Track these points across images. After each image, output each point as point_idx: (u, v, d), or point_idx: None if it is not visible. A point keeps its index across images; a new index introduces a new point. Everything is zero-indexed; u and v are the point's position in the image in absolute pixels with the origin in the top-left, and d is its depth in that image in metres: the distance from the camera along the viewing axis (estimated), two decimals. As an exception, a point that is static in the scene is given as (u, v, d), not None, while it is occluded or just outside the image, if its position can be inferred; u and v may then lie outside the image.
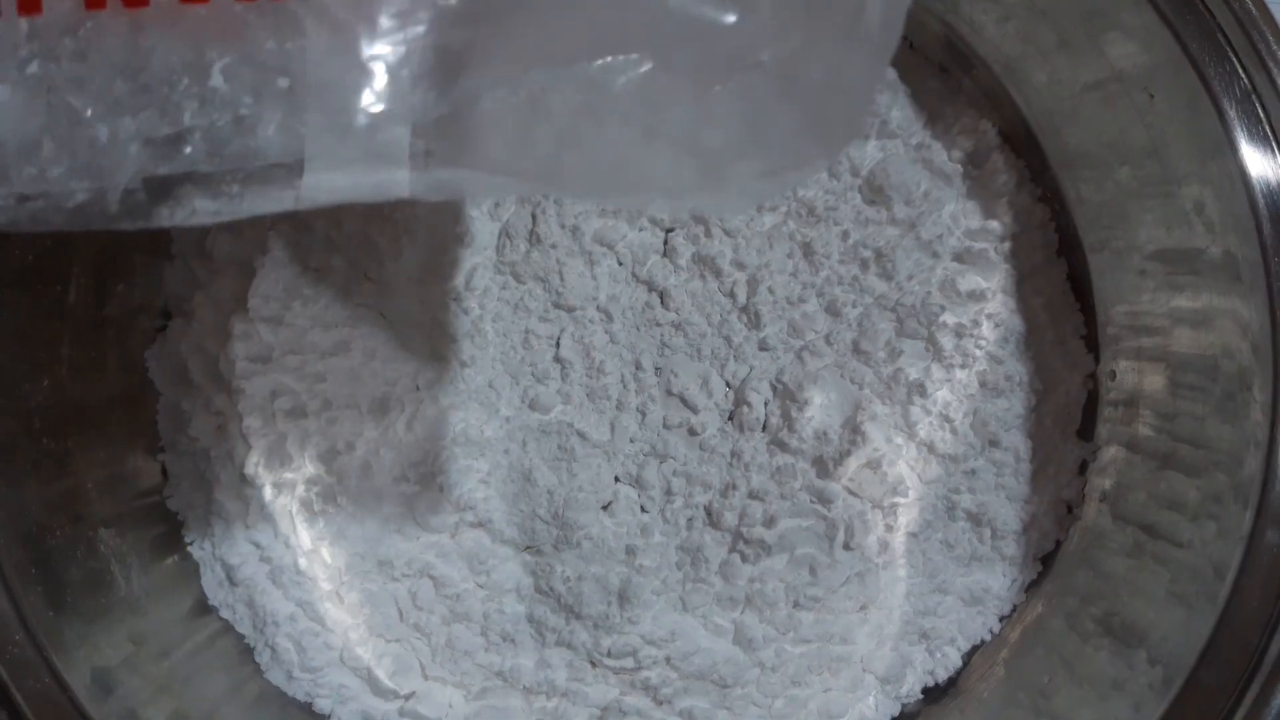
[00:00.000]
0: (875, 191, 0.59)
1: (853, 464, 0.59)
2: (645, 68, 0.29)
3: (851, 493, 0.59)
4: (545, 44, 0.30)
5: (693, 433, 0.58)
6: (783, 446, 0.58)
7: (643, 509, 0.58)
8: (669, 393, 0.58)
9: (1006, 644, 0.59)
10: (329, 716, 0.56)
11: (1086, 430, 0.60)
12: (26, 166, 0.30)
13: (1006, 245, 0.60)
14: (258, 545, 0.57)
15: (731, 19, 0.28)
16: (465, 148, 0.31)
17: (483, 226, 0.58)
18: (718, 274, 0.59)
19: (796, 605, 0.57)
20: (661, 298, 0.59)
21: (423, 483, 0.57)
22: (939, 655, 0.59)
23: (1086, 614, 0.55)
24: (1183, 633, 0.48)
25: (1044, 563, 0.60)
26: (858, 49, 0.29)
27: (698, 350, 0.59)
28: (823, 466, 0.58)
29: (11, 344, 0.48)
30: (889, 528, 0.59)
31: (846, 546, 0.58)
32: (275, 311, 0.57)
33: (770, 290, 0.58)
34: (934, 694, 0.59)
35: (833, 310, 0.59)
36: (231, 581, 0.57)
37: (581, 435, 0.57)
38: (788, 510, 0.57)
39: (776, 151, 0.31)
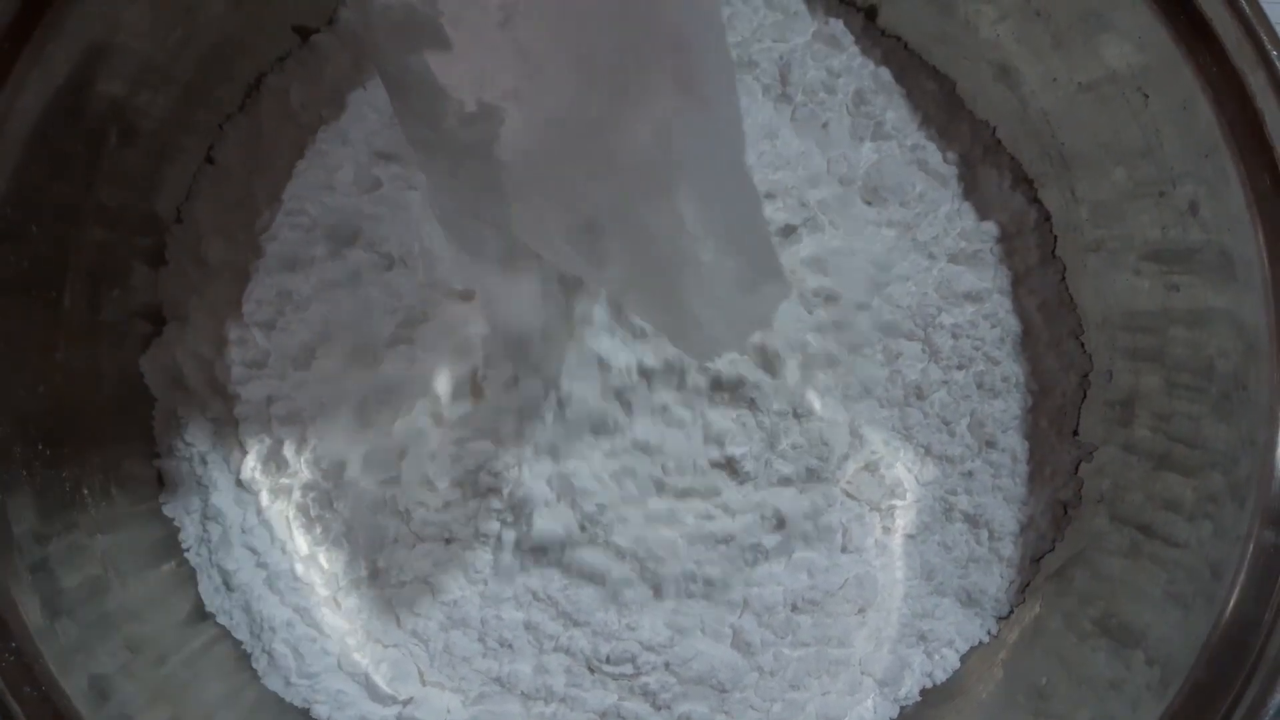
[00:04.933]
0: (871, 193, 0.59)
1: (850, 466, 0.59)
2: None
3: (849, 495, 0.59)
4: None
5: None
6: (780, 448, 0.58)
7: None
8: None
9: (1004, 645, 0.59)
10: (326, 722, 0.56)
11: (1083, 431, 0.60)
12: None
13: (1001, 246, 0.60)
14: (254, 551, 0.57)
15: None
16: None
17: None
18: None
19: (794, 609, 0.57)
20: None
21: (420, 487, 0.57)
22: (937, 657, 0.59)
23: (1084, 615, 0.55)
24: (1180, 633, 0.48)
25: (1041, 564, 0.60)
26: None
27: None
28: (820, 469, 0.58)
29: (6, 350, 0.48)
30: (886, 530, 0.59)
31: (844, 549, 0.59)
32: (269, 316, 0.57)
33: (767, 292, 0.58)
34: (932, 696, 0.59)
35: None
36: (228, 587, 0.56)
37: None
38: (785, 513, 0.57)
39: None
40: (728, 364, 0.57)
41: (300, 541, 0.57)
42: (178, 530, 0.57)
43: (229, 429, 0.57)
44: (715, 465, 0.57)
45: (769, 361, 0.58)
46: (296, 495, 0.57)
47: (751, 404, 0.57)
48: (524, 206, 0.42)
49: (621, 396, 0.56)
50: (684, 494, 0.57)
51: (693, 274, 0.42)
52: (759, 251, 0.43)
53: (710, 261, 0.41)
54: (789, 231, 0.59)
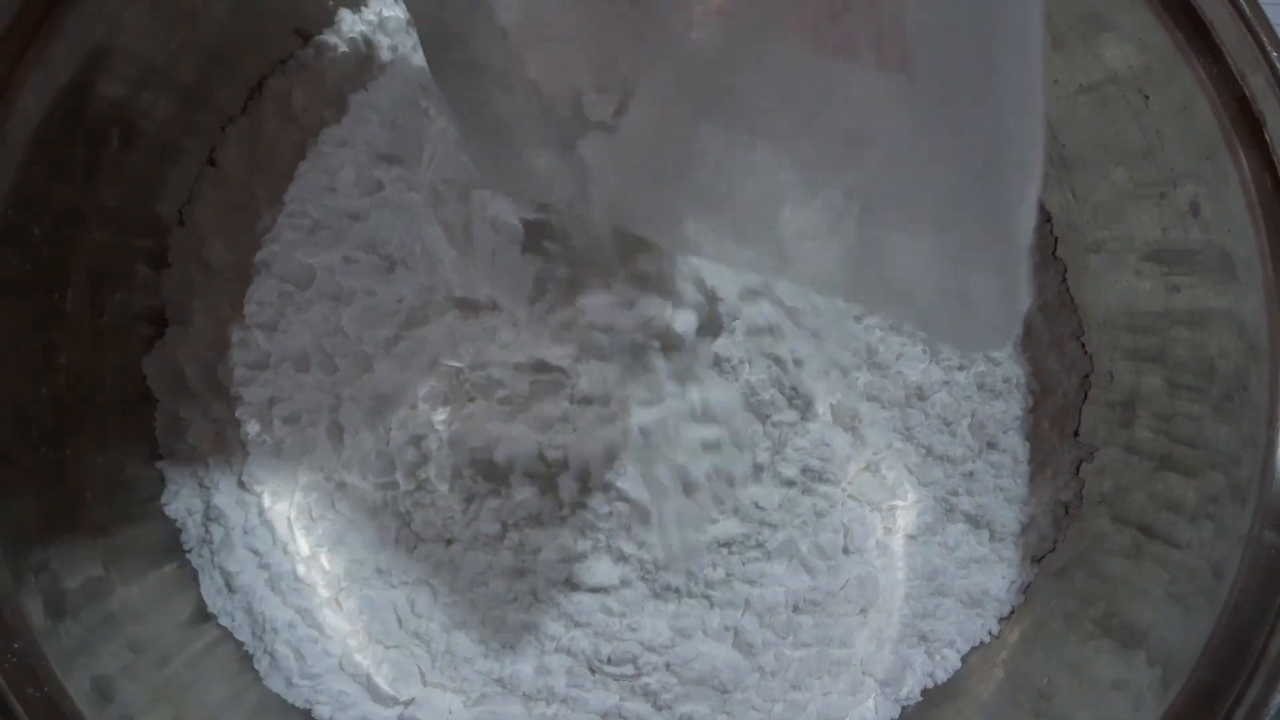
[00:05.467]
0: (871, 195, 0.59)
1: (852, 467, 0.59)
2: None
3: (851, 496, 0.59)
4: None
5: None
6: (782, 449, 0.58)
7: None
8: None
9: (1005, 645, 0.59)
10: (328, 723, 0.56)
11: (1084, 431, 0.60)
12: None
13: (1003, 247, 0.60)
14: (256, 552, 0.57)
15: None
16: None
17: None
18: (714, 278, 0.59)
19: (796, 609, 0.57)
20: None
21: (421, 489, 0.57)
22: (938, 657, 0.59)
23: (1085, 615, 0.55)
24: (1181, 633, 0.48)
25: (1042, 564, 0.60)
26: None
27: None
28: (823, 470, 0.58)
29: (9, 353, 0.48)
30: (888, 530, 0.59)
31: (846, 550, 0.59)
32: (271, 318, 0.57)
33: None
34: (933, 696, 0.59)
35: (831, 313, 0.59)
36: (230, 589, 0.57)
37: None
38: (787, 514, 0.57)
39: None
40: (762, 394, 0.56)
41: (302, 543, 0.57)
42: (179, 531, 0.57)
43: (231, 430, 0.57)
44: (726, 478, 0.57)
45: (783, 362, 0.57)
46: (298, 496, 0.57)
47: (765, 419, 0.57)
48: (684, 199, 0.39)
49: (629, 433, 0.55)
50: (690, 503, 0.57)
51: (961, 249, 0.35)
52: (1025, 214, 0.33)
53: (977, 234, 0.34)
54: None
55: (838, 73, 0.31)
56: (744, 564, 0.57)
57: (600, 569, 0.56)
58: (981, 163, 0.32)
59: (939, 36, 0.29)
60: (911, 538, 0.59)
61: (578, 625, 0.56)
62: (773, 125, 0.35)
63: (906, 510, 0.60)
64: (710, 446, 0.55)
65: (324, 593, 0.57)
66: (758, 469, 0.57)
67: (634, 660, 0.56)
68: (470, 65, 0.40)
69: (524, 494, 0.55)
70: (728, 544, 0.57)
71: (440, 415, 0.56)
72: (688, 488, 0.55)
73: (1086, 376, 0.60)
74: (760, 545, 0.57)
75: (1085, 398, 0.60)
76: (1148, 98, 0.52)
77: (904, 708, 0.59)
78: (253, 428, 0.57)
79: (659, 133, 0.37)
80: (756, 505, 0.57)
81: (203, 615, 0.56)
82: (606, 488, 0.55)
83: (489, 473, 0.56)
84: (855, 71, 0.31)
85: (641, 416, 0.53)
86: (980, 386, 0.59)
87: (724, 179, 0.38)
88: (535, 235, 0.53)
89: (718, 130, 0.36)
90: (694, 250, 0.46)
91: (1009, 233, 0.32)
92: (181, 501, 0.57)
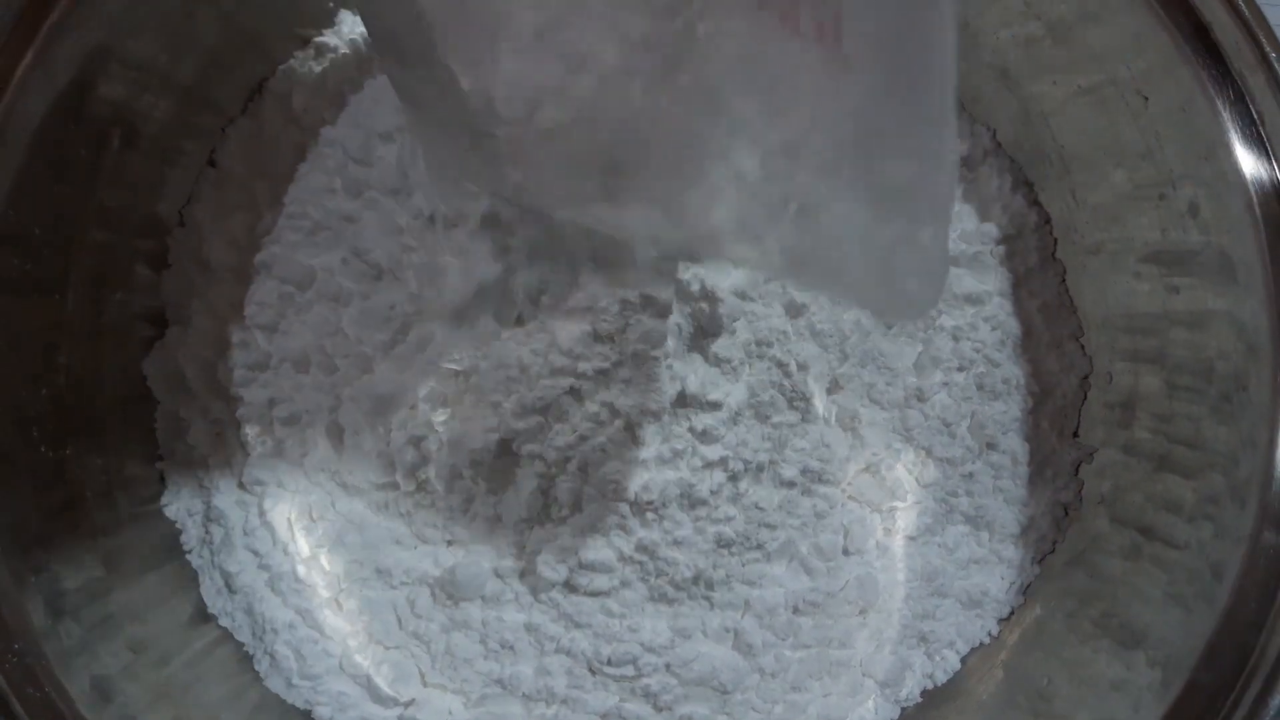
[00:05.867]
0: (871, 195, 0.59)
1: (852, 468, 0.59)
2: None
3: (851, 497, 0.59)
4: None
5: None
6: (782, 450, 0.58)
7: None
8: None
9: (1005, 646, 0.59)
10: (328, 724, 0.56)
11: (1083, 432, 0.60)
12: None
13: (1002, 248, 0.60)
14: (256, 553, 0.57)
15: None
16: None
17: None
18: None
19: (796, 610, 0.57)
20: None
21: (421, 490, 0.57)
22: (938, 658, 0.59)
23: (1085, 616, 0.55)
24: (1181, 634, 0.48)
25: (1042, 565, 0.60)
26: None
27: (696, 356, 0.59)
28: (822, 471, 0.58)
29: (9, 353, 0.48)
30: (887, 531, 0.59)
31: (845, 551, 0.59)
32: (271, 319, 0.57)
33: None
34: (933, 697, 0.59)
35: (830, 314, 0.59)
36: (230, 589, 0.57)
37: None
38: (787, 515, 0.57)
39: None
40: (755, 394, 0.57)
41: (302, 543, 0.57)
42: (179, 532, 0.57)
43: (231, 431, 0.57)
44: (729, 477, 0.57)
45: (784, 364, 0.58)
46: (298, 497, 0.57)
47: (765, 420, 0.57)
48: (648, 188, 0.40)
49: (633, 430, 0.55)
50: (692, 505, 0.57)
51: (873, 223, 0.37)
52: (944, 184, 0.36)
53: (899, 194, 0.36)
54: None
55: (780, 50, 0.33)
56: (744, 565, 0.57)
57: (600, 570, 0.56)
58: (908, 144, 0.34)
59: (870, 17, 0.32)
60: (911, 539, 0.59)
61: (578, 626, 0.56)
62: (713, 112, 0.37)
63: (906, 511, 0.60)
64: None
65: (324, 593, 0.57)
66: (758, 470, 0.57)
67: (634, 661, 0.56)
68: (396, 43, 0.40)
69: (524, 494, 0.55)
70: (727, 545, 0.57)
71: (440, 416, 0.56)
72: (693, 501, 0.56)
73: (1086, 377, 0.60)
74: (760, 546, 0.57)
75: (1084, 399, 0.60)
76: (1147, 99, 0.52)
77: (904, 709, 0.59)
78: (253, 429, 0.57)
79: (580, 133, 0.39)
80: (756, 506, 0.57)
81: (203, 616, 0.56)
82: (606, 488, 0.55)
83: (489, 473, 0.56)
84: (797, 48, 0.33)
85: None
86: (980, 388, 0.59)
87: (653, 168, 0.39)
88: (499, 237, 0.53)
89: (647, 124, 0.37)
90: (627, 232, 0.47)
91: (933, 211, 0.35)
92: (181, 502, 0.57)
